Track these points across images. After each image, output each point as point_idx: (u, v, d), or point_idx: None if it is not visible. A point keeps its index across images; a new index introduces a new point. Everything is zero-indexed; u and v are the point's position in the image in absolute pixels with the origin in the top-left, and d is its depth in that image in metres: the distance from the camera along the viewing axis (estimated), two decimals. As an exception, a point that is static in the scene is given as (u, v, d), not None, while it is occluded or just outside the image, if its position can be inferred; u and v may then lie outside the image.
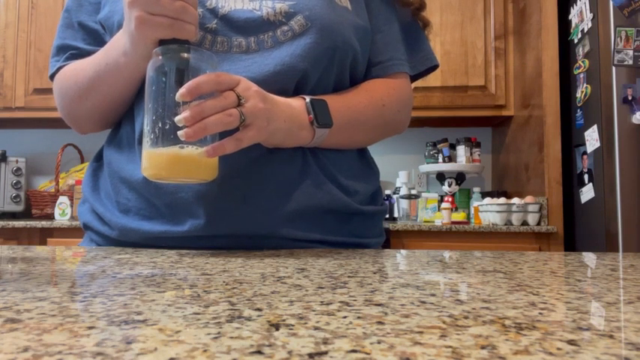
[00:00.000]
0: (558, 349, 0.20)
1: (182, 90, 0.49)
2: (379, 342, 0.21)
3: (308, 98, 0.61)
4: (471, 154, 2.43)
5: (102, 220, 0.68)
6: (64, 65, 0.71)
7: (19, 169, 2.44)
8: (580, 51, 1.96)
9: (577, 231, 1.99)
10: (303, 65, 0.63)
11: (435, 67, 0.81)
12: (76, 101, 0.69)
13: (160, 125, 0.51)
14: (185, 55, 0.54)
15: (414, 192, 2.35)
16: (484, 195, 2.31)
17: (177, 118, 0.50)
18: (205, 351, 0.19)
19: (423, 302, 0.29)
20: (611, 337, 0.22)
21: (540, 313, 0.26)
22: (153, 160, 0.52)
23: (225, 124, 0.51)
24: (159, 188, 0.62)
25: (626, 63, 1.77)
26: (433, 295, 0.31)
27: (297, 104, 0.61)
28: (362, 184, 0.72)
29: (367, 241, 0.72)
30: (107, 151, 0.72)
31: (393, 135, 0.80)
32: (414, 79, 0.80)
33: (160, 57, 0.53)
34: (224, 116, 0.51)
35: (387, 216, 2.48)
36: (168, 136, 0.51)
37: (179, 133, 0.50)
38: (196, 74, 0.51)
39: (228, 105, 0.52)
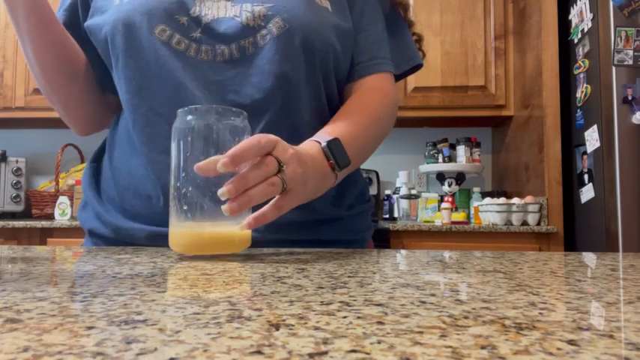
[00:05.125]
0: (558, 349, 0.20)
1: (224, 160, 0.45)
2: (379, 342, 0.21)
3: (323, 142, 0.58)
4: (471, 154, 2.43)
5: (107, 226, 0.68)
6: None
7: (19, 169, 2.44)
8: (580, 51, 1.96)
9: (577, 231, 1.99)
10: (282, 69, 0.63)
11: (418, 67, 0.80)
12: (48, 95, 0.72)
13: (190, 195, 0.49)
14: (213, 118, 0.51)
15: (414, 192, 2.35)
16: (484, 195, 2.31)
17: (220, 192, 0.46)
18: (205, 351, 0.19)
19: (423, 302, 0.29)
20: (611, 337, 0.22)
21: (540, 313, 0.26)
22: (187, 239, 0.50)
23: (268, 194, 0.48)
24: (161, 197, 0.64)
25: (626, 63, 1.77)
26: (433, 295, 0.31)
27: (315, 152, 0.57)
28: (348, 190, 0.72)
29: (361, 236, 0.74)
30: (108, 154, 0.72)
31: None
32: (398, 78, 0.79)
33: (189, 118, 0.50)
34: (267, 186, 0.48)
35: (387, 216, 2.48)
36: (199, 205, 0.49)
37: (223, 208, 0.47)
38: (225, 137, 0.50)
39: (271, 173, 0.49)
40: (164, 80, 0.63)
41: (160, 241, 0.63)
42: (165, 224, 0.65)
